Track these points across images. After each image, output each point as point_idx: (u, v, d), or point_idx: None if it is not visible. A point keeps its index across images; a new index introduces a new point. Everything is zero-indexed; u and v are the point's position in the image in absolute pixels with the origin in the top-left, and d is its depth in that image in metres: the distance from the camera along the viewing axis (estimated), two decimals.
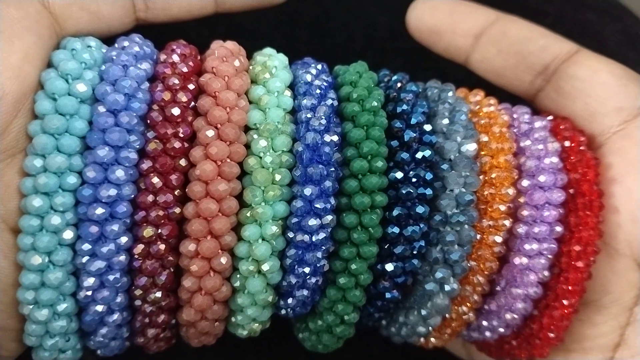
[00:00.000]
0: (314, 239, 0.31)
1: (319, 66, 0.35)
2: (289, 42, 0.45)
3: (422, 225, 0.32)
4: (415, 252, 0.32)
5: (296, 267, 0.32)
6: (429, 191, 0.32)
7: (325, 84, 0.33)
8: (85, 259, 0.30)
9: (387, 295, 0.33)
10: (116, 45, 0.33)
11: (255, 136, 0.32)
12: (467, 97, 0.37)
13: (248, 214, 0.31)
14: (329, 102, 0.33)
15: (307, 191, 0.31)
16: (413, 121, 0.33)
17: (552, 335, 0.35)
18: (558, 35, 0.38)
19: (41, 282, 0.29)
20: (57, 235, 0.29)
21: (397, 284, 0.33)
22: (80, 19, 0.33)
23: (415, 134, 0.33)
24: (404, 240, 0.32)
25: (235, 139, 0.31)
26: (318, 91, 0.33)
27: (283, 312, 0.34)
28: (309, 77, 0.33)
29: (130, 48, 0.32)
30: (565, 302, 0.34)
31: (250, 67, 0.34)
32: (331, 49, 0.47)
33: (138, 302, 0.31)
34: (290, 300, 0.33)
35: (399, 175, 0.32)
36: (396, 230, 0.32)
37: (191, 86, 0.32)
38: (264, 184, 0.31)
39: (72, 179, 0.29)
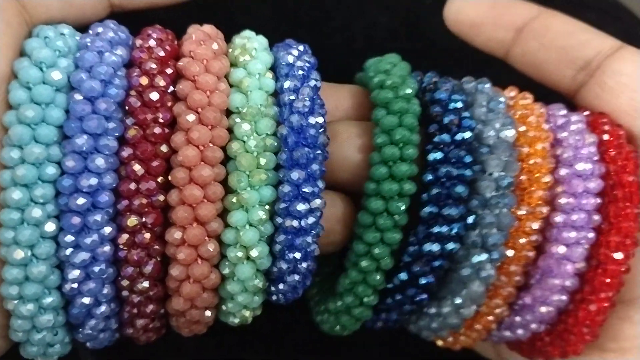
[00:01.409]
0: (303, 223, 0.31)
1: (301, 47, 0.34)
2: None
3: (461, 207, 0.32)
4: (453, 234, 0.32)
5: (286, 252, 0.31)
6: (468, 172, 0.32)
7: (307, 64, 0.33)
8: (69, 251, 0.29)
9: (422, 280, 0.33)
10: (90, 32, 0.32)
11: (237, 120, 0.31)
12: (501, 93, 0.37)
13: (234, 200, 0.30)
14: (312, 83, 0.32)
15: (294, 175, 0.30)
16: (452, 106, 0.33)
17: (586, 330, 0.34)
18: (600, 32, 0.38)
19: (25, 276, 0.29)
20: (38, 228, 0.29)
21: (433, 268, 0.32)
22: (51, 5, 0.32)
23: (455, 117, 0.32)
24: (443, 220, 0.32)
25: (217, 123, 0.30)
26: (300, 72, 0.32)
27: (274, 297, 0.33)
28: (290, 59, 0.33)
29: (104, 34, 0.31)
30: (602, 295, 0.33)
31: (230, 51, 0.33)
32: (331, 49, 0.47)
33: (125, 293, 0.31)
34: (281, 286, 0.33)
35: (439, 155, 0.32)
36: (434, 210, 0.32)
37: (169, 70, 0.31)
38: (249, 168, 0.30)
39: (51, 170, 0.29)
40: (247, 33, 0.35)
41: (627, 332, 0.35)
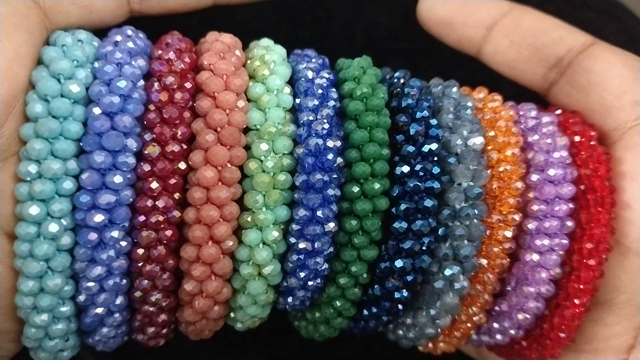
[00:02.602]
0: (315, 245, 0.31)
1: (320, 60, 0.34)
2: (289, 42, 0.44)
3: (430, 220, 0.32)
4: (424, 248, 0.32)
5: (297, 271, 0.32)
6: (436, 184, 0.32)
7: (326, 82, 0.32)
8: (84, 265, 0.29)
9: (396, 295, 0.32)
10: (108, 38, 0.32)
11: (255, 139, 0.31)
12: (470, 95, 0.36)
13: (249, 219, 0.31)
14: (331, 103, 0.32)
15: (310, 200, 0.30)
16: (418, 115, 0.32)
17: (563, 335, 0.34)
18: (573, 27, 0.37)
19: (40, 288, 0.29)
20: (55, 242, 0.29)
21: (406, 283, 0.32)
22: (71, 12, 0.32)
23: (421, 128, 0.32)
24: (413, 235, 0.32)
25: (235, 143, 0.30)
26: (320, 91, 0.32)
27: (280, 307, 0.34)
28: (310, 74, 0.32)
29: (123, 43, 0.31)
30: (576, 301, 0.34)
31: (248, 62, 0.33)
32: (331, 49, 0.47)
33: (138, 304, 0.31)
34: (290, 299, 0.33)
35: (406, 169, 0.31)
36: (404, 225, 0.31)
37: (188, 84, 0.31)
38: (265, 188, 0.30)
39: (68, 184, 0.29)
40: (266, 42, 0.34)
41: (600, 333, 0.35)
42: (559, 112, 0.37)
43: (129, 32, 0.32)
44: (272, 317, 0.35)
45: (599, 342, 0.35)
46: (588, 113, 0.36)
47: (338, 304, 0.33)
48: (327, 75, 0.33)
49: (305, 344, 0.43)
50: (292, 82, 0.33)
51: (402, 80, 0.34)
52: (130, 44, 0.31)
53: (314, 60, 0.34)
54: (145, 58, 0.31)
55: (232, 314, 0.33)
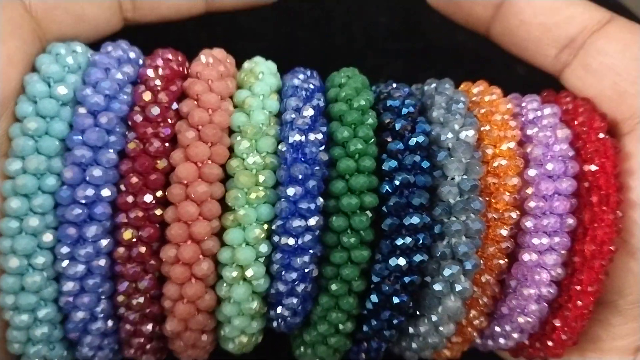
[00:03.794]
0: (299, 242, 0.30)
1: (308, 72, 0.34)
2: (289, 42, 0.45)
3: (423, 215, 0.30)
4: (419, 245, 0.30)
5: (283, 273, 0.30)
6: (427, 178, 0.30)
7: (312, 86, 0.33)
8: (65, 263, 0.29)
9: (395, 299, 0.31)
10: (101, 49, 0.33)
11: (238, 138, 0.31)
12: (469, 89, 0.35)
13: (231, 218, 0.30)
14: (315, 102, 0.32)
15: (291, 191, 0.30)
16: (404, 112, 0.32)
17: (565, 337, 0.32)
18: (590, 3, 0.34)
19: (20, 286, 0.29)
20: (36, 237, 0.29)
21: (404, 285, 0.31)
22: (63, 22, 0.33)
23: (406, 122, 0.31)
24: (405, 231, 0.30)
25: (216, 141, 0.30)
26: (304, 92, 0.32)
27: (275, 324, 0.32)
28: (296, 81, 0.33)
29: (114, 52, 0.32)
30: (579, 303, 0.32)
31: (238, 74, 0.33)
32: (331, 49, 0.47)
33: (122, 310, 0.31)
34: (279, 309, 0.32)
35: (393, 164, 0.31)
36: (395, 221, 0.30)
37: (174, 88, 0.31)
38: (247, 185, 0.30)
39: (51, 181, 0.29)
40: (257, 59, 0.35)
41: (606, 334, 0.34)
42: (569, 99, 0.34)
43: (123, 45, 0.33)
44: (269, 337, 0.34)
45: (604, 343, 0.34)
46: (600, 100, 0.33)
47: (333, 316, 0.32)
48: (313, 82, 0.33)
49: None
50: (281, 93, 0.33)
51: (389, 87, 0.34)
52: (121, 52, 0.32)
53: (301, 71, 0.34)
54: (136, 66, 0.32)
55: (221, 332, 0.32)
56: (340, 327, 0.32)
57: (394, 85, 0.34)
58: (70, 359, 0.32)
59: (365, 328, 0.32)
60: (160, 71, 0.31)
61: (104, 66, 0.31)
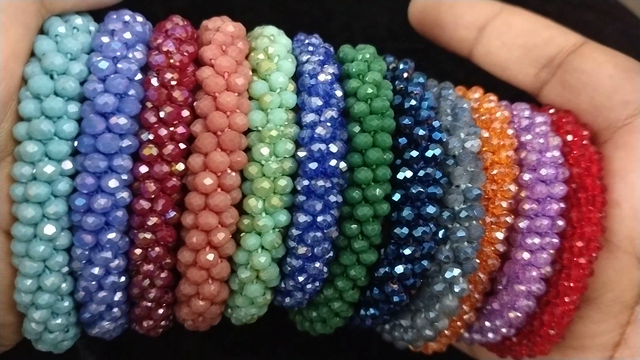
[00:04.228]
0: (315, 251, 0.30)
1: (323, 50, 0.33)
2: None
3: (432, 226, 0.31)
4: (424, 253, 0.31)
5: (296, 274, 0.31)
6: (439, 190, 0.31)
7: (331, 77, 0.31)
8: (81, 264, 0.29)
9: (395, 298, 0.32)
10: (104, 25, 0.30)
11: (256, 141, 0.30)
12: (466, 95, 0.36)
13: (246, 222, 0.30)
14: (335, 102, 0.31)
15: (311, 206, 0.30)
16: (423, 116, 0.32)
17: (552, 332, 0.35)
18: (564, 28, 0.37)
19: (37, 286, 0.29)
20: (51, 242, 0.28)
21: (405, 287, 0.32)
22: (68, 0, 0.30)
23: (425, 132, 0.31)
24: (414, 241, 0.31)
25: (235, 148, 0.29)
26: (324, 89, 0.31)
27: (277, 304, 0.34)
28: (314, 69, 0.31)
29: (120, 33, 0.29)
30: (566, 299, 0.34)
31: (252, 54, 0.32)
32: None
33: (137, 299, 0.31)
34: (287, 299, 0.33)
35: (409, 174, 0.31)
36: (405, 231, 0.31)
37: (187, 80, 0.30)
38: (266, 194, 0.30)
39: (64, 186, 0.28)
40: (271, 30, 0.33)
41: (587, 330, 0.36)
42: (552, 111, 0.36)
43: (127, 18, 0.31)
44: (271, 316, 0.35)
45: (585, 339, 0.36)
46: (579, 113, 0.36)
47: (335, 305, 0.33)
48: (331, 71, 0.32)
49: (304, 346, 0.43)
50: (295, 74, 0.32)
51: (405, 74, 0.33)
52: (128, 35, 0.30)
53: (317, 52, 0.32)
54: (143, 48, 0.30)
55: (229, 310, 0.33)
56: (342, 313, 0.34)
57: (409, 71, 0.34)
58: (79, 333, 0.32)
59: (362, 312, 0.34)
60: (172, 58, 0.30)
61: (111, 55, 0.29)
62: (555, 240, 0.34)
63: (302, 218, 0.30)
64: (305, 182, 0.30)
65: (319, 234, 0.30)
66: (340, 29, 0.47)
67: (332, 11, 0.48)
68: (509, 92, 0.38)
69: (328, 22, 0.47)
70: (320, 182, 0.30)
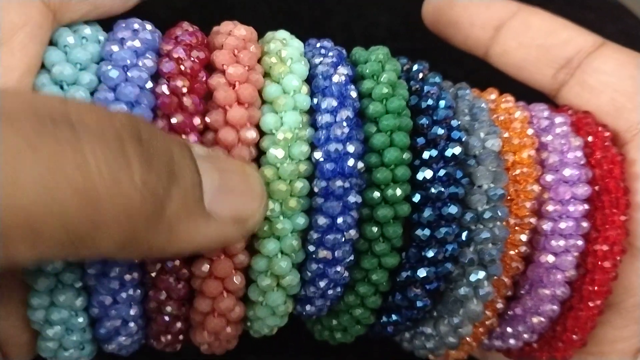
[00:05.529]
0: (336, 254, 0.30)
1: (336, 53, 0.32)
2: None
3: (454, 227, 0.30)
4: (447, 255, 0.31)
5: (317, 280, 0.30)
6: (460, 190, 0.30)
7: (345, 78, 0.31)
8: (95, 280, 0.29)
9: (419, 303, 0.31)
10: (113, 34, 0.30)
11: (270, 145, 0.29)
12: (481, 97, 0.35)
13: (266, 228, 0.29)
14: (350, 102, 0.30)
15: (330, 207, 0.29)
16: (440, 115, 0.31)
17: (575, 337, 0.34)
18: (582, 28, 0.37)
19: (51, 302, 0.28)
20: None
21: (428, 291, 0.31)
22: (78, 11, 0.30)
23: (443, 131, 0.30)
24: (436, 243, 0.30)
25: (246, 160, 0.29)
26: (338, 90, 0.30)
27: (297, 313, 0.33)
28: (327, 71, 0.31)
29: (129, 41, 0.29)
30: (590, 303, 0.33)
31: (264, 58, 0.31)
32: None
33: (154, 314, 0.30)
34: (308, 307, 0.32)
35: (428, 174, 0.30)
36: (427, 232, 0.30)
37: (198, 86, 0.29)
38: (282, 197, 0.29)
39: None
40: (282, 34, 0.33)
41: (607, 336, 0.35)
42: (570, 112, 0.36)
43: (136, 26, 0.30)
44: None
45: (606, 345, 0.35)
46: (599, 114, 0.35)
47: (357, 312, 0.32)
48: (345, 72, 0.31)
49: (304, 346, 0.42)
50: (308, 77, 0.32)
51: (420, 75, 0.33)
52: (137, 43, 0.29)
53: (330, 55, 0.32)
54: (154, 56, 0.30)
55: (248, 323, 0.32)
56: (363, 320, 0.33)
57: (424, 71, 0.33)
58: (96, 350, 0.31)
59: (384, 319, 0.33)
60: (182, 65, 0.29)
61: (121, 64, 0.29)
62: (580, 243, 0.33)
63: (321, 220, 0.29)
64: (323, 184, 0.29)
65: (339, 236, 0.29)
66: (340, 29, 0.47)
67: (332, 11, 0.48)
68: (513, 94, 0.38)
69: (328, 22, 0.48)
70: (339, 183, 0.29)
